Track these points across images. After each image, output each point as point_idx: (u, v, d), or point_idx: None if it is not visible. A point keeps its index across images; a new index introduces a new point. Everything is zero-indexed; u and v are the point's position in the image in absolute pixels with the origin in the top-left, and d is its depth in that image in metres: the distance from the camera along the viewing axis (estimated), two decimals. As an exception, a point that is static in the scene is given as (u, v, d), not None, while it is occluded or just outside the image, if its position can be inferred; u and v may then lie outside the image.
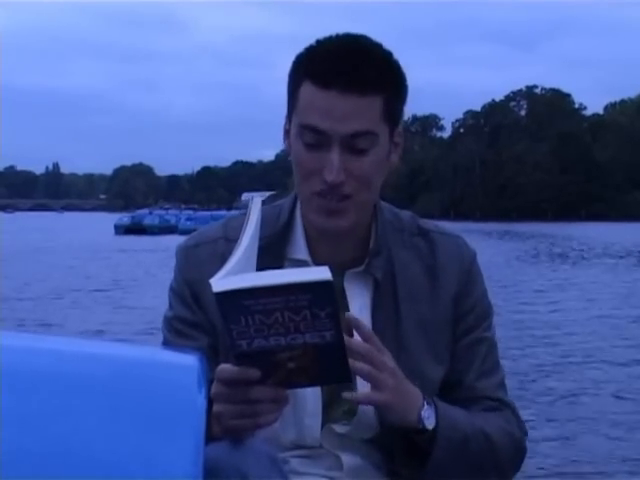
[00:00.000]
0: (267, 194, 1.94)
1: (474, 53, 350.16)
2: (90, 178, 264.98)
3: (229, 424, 1.50)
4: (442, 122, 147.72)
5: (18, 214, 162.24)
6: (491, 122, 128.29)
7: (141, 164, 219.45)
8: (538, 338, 13.08)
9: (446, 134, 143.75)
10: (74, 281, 22.04)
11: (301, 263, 1.74)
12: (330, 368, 1.52)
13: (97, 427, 1.18)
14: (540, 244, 45.41)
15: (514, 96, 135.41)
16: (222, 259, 1.68)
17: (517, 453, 1.80)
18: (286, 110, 1.75)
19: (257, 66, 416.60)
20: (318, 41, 1.70)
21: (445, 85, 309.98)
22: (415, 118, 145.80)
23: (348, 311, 1.75)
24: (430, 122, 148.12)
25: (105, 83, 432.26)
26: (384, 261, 1.79)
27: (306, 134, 1.67)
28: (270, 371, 1.50)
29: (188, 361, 1.35)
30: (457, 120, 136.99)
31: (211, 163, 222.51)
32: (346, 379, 1.55)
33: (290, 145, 1.73)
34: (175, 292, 1.82)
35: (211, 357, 1.69)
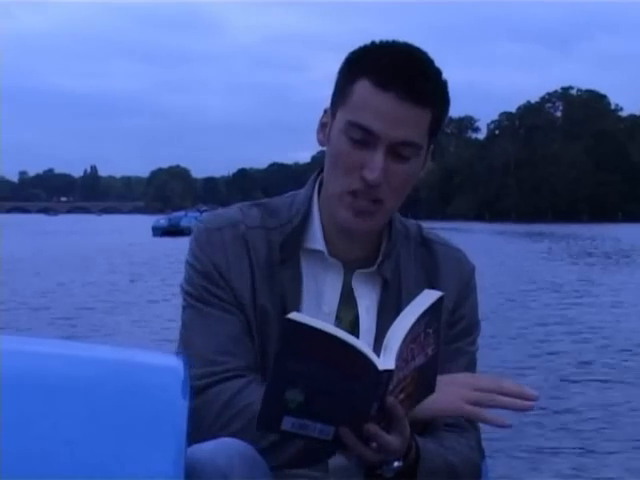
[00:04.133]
0: None
1: (509, 53, 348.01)
2: (127, 181, 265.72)
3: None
4: (477, 123, 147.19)
5: (61, 217, 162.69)
6: (526, 124, 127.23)
7: (178, 166, 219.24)
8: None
9: (481, 135, 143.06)
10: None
11: (317, 253, 1.78)
12: (424, 385, 1.51)
13: (79, 428, 1.17)
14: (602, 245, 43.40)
15: (549, 98, 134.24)
16: (244, 242, 1.76)
17: (474, 478, 1.82)
18: (329, 104, 1.76)
19: (292, 68, 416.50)
20: (374, 43, 1.72)
21: (480, 85, 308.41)
22: (450, 119, 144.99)
23: (356, 309, 1.79)
24: (465, 123, 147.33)
25: (141, 85, 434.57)
26: (394, 265, 1.82)
27: (354, 130, 1.68)
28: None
29: (171, 363, 1.39)
30: (492, 121, 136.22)
31: (247, 165, 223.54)
32: (431, 392, 1.55)
33: (327, 138, 1.75)
34: (199, 272, 1.78)
35: (247, 333, 1.73)
